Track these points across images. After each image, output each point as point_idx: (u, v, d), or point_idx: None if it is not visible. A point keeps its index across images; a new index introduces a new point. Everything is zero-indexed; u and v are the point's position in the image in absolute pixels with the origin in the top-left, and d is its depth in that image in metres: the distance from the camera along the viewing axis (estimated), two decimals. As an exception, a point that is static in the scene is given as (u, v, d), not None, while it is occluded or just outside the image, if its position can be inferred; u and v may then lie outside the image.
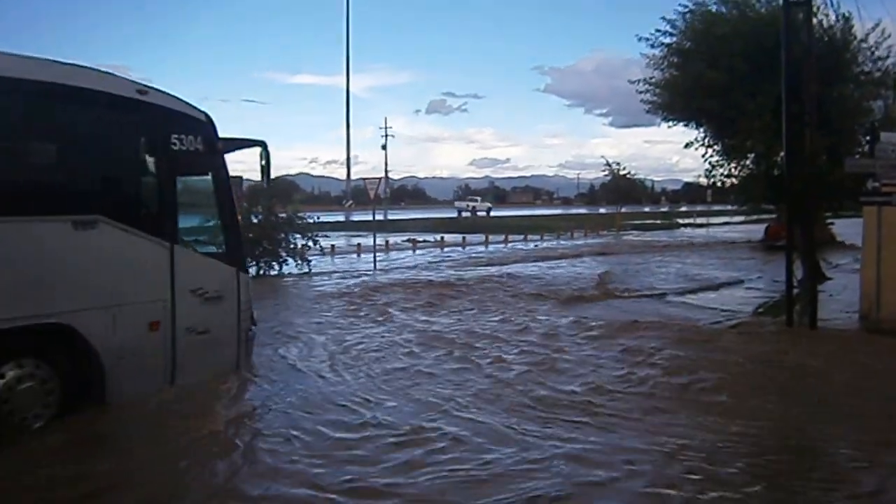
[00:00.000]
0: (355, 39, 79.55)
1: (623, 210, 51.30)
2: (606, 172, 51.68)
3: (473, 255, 24.06)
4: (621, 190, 54.93)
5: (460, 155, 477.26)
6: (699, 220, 46.93)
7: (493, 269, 18.08)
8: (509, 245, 29.07)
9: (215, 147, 6.51)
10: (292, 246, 17.74)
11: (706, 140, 14.58)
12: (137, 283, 5.91)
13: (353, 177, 65.37)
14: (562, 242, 31.25)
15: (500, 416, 5.84)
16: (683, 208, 61.55)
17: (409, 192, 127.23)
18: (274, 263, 17.35)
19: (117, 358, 5.68)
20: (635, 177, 58.88)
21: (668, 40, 14.02)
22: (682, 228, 45.13)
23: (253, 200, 16.90)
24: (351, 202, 52.37)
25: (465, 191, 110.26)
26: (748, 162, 14.11)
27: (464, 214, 56.84)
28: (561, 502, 4.23)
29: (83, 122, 5.72)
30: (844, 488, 4.45)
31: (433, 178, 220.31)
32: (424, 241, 29.04)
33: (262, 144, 7.07)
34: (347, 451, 5.11)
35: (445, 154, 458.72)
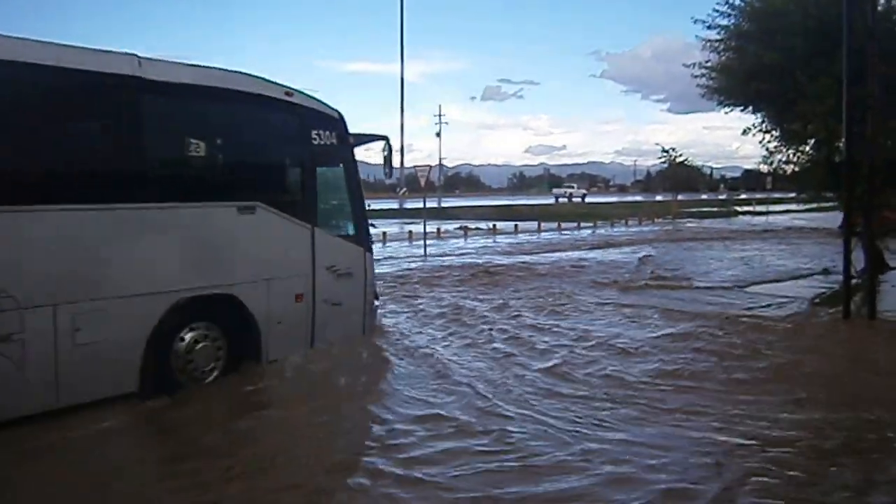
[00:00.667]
0: (410, 26, 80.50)
1: (679, 197, 51.06)
2: (663, 159, 51.47)
3: (527, 242, 24.29)
4: (678, 177, 54.69)
5: (515, 142, 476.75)
6: (758, 208, 46.38)
7: (553, 256, 18.56)
8: (563, 233, 29.11)
9: (347, 141, 7.51)
10: None
11: (764, 125, 14.19)
12: (286, 260, 6.99)
13: (407, 164, 66.11)
14: (616, 230, 31.14)
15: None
16: (742, 196, 60.64)
17: (463, 180, 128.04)
18: None
19: (270, 324, 6.80)
20: (692, 164, 58.49)
21: (725, 21, 13.53)
22: (741, 217, 44.34)
23: None
24: (405, 190, 53.16)
25: (520, 179, 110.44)
26: (808, 148, 13.65)
27: (561, 200, 60.05)
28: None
29: (244, 122, 6.77)
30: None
31: (488, 165, 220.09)
32: (477, 228, 29.37)
33: (386, 139, 8.10)
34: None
35: (500, 141, 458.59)
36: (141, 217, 5.91)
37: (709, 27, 13.57)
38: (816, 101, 11.74)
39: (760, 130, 14.32)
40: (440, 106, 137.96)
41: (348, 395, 6.52)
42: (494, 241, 24.99)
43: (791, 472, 4.61)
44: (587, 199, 63.68)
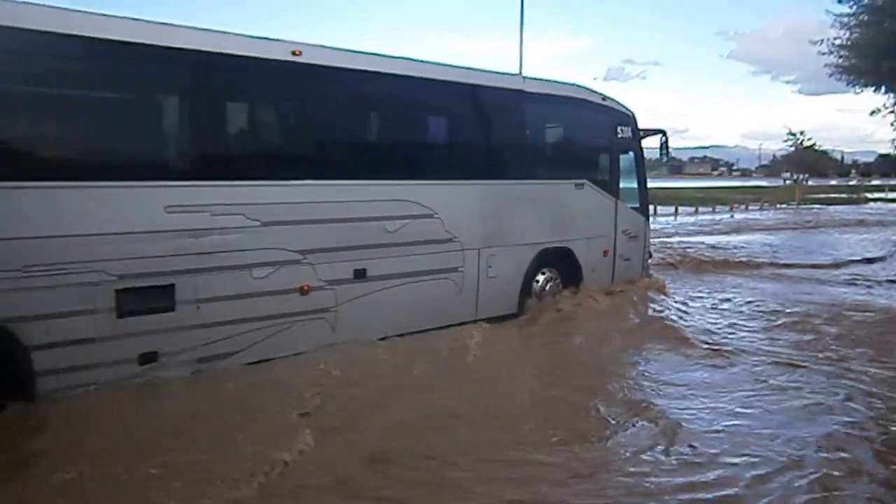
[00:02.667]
0: (533, 8, 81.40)
1: (806, 182, 50.26)
2: (790, 143, 50.77)
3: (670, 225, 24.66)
4: (804, 162, 53.61)
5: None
6: (891, 195, 45.40)
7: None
8: (678, 218, 28.67)
9: (637, 134, 9.76)
10: None
11: None
12: (599, 224, 9.30)
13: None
14: (735, 216, 30.00)
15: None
16: (875, 182, 59.03)
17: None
18: None
19: (587, 270, 9.15)
20: (821, 147, 57.27)
21: None
22: (872, 203, 42.59)
23: None
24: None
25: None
26: None
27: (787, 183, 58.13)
28: None
29: (577, 121, 9.12)
30: None
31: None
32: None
33: (664, 132, 10.29)
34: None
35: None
36: (521, 190, 8.35)
37: (840, 1, 13.14)
38: None
39: (892, 111, 14.03)
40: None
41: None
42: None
43: None
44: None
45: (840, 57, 13.80)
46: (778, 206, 38.46)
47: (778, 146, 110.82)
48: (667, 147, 10.35)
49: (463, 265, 7.76)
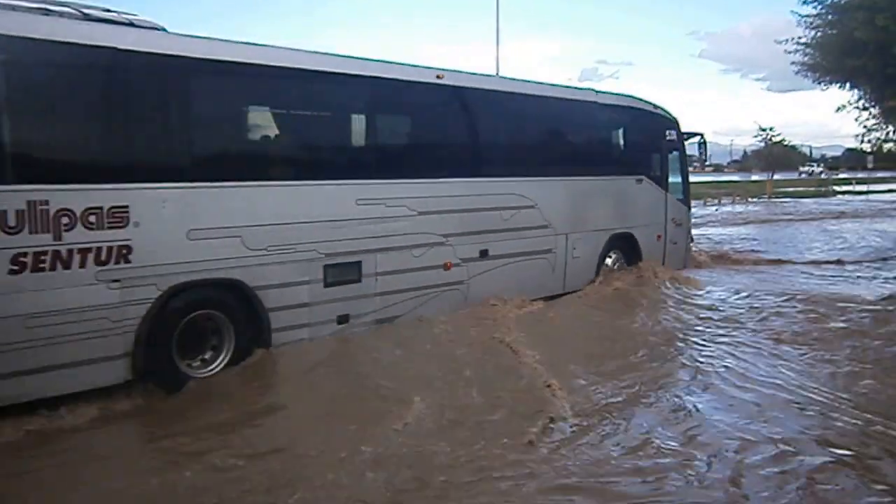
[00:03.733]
0: (507, 11, 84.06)
1: (775, 177, 52.51)
2: (760, 138, 52.89)
3: None
4: (774, 156, 56.00)
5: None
6: (859, 188, 47.77)
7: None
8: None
9: (681, 136, 11.56)
10: None
11: (861, 102, 14.00)
12: (654, 213, 11.06)
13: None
14: (708, 209, 30.30)
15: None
16: (842, 175, 61.94)
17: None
18: None
19: (647, 252, 10.92)
20: (790, 143, 59.94)
21: None
22: (840, 196, 43.88)
23: None
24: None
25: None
26: None
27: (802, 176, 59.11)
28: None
29: (637, 126, 10.82)
30: None
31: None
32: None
33: (702, 135, 12.11)
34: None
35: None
36: (596, 185, 10.09)
37: (805, 2, 13.41)
38: None
39: (857, 108, 14.16)
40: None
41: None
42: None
43: None
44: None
45: (806, 55, 13.96)
46: (749, 199, 39.83)
47: (748, 142, 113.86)
48: (705, 147, 12.20)
49: (555, 247, 9.49)
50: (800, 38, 13.94)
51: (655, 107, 11.19)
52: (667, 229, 11.28)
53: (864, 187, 46.85)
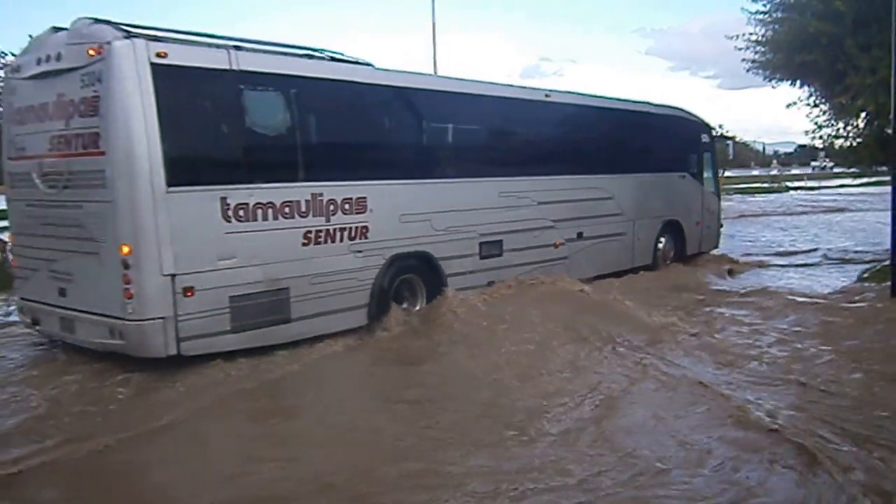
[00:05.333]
0: (443, 3, 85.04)
1: (727, 174, 55.46)
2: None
3: None
4: (724, 153, 59.28)
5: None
6: (810, 184, 51.40)
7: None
8: None
9: (713, 139, 14.02)
10: None
11: (812, 99, 14.10)
12: (693, 204, 13.43)
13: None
14: None
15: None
16: (794, 171, 66.00)
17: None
18: None
19: (690, 236, 13.36)
20: (742, 140, 63.76)
21: None
22: (792, 192, 45.30)
23: None
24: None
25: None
26: (859, 122, 13.42)
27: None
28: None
29: (679, 131, 13.17)
30: None
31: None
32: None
33: (732, 139, 14.61)
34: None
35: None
36: (653, 179, 12.47)
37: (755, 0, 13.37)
38: (867, 73, 11.32)
39: (808, 104, 14.14)
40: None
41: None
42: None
43: None
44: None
45: (756, 52, 13.73)
46: None
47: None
48: (734, 148, 14.73)
49: (627, 231, 11.84)
50: (750, 34, 13.67)
51: (693, 115, 13.64)
52: (703, 216, 13.76)
53: (815, 183, 50.39)
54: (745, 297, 10.29)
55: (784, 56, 13.14)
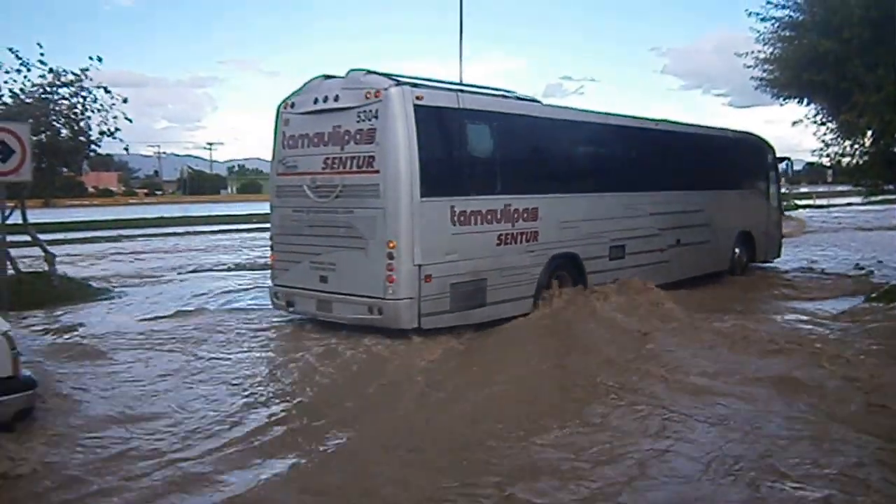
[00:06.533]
0: (471, 28, 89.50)
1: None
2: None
3: None
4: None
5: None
6: (819, 202, 52.52)
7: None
8: None
9: (775, 159, 16.10)
10: None
11: (819, 117, 14.26)
12: (760, 216, 15.45)
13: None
14: None
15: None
16: (803, 189, 67.46)
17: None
18: None
19: (759, 245, 15.42)
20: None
21: (779, 13, 13.29)
22: (801, 210, 44.51)
23: None
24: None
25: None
26: (866, 140, 13.46)
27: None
28: None
29: (750, 154, 15.30)
30: None
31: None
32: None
33: (789, 159, 16.75)
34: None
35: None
36: (731, 195, 14.52)
37: (763, 19, 13.46)
38: (872, 92, 11.49)
39: (814, 122, 14.35)
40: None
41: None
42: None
43: None
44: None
45: (764, 70, 14.24)
46: None
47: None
48: (791, 167, 16.87)
49: (711, 239, 13.90)
50: (759, 52, 14.17)
51: (762, 139, 15.75)
52: (767, 227, 15.83)
53: (825, 201, 51.65)
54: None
55: (792, 74, 13.17)
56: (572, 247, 10.61)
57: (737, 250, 14.87)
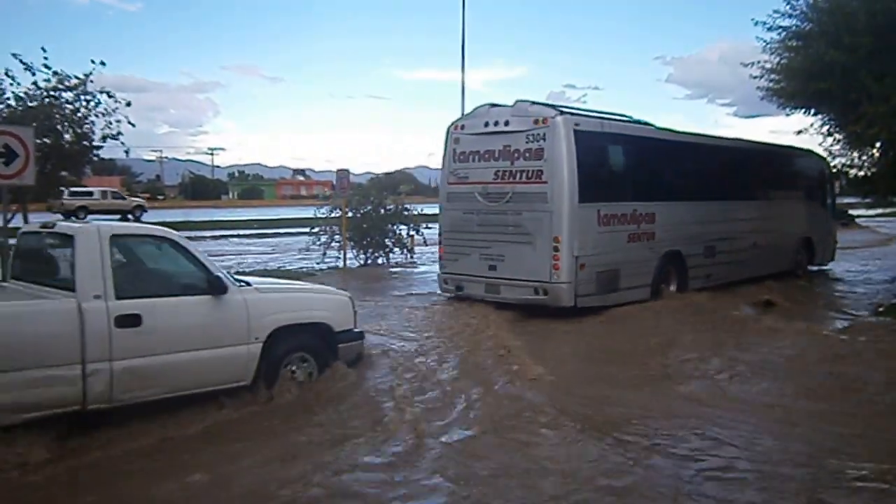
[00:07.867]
0: (474, 35, 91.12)
1: None
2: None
3: None
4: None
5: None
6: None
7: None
8: None
9: (830, 173, 18.12)
10: (398, 236, 18.63)
11: (825, 127, 14.48)
12: (820, 223, 17.35)
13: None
14: None
15: None
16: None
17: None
18: (380, 253, 18.36)
19: (817, 248, 17.48)
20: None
21: (786, 23, 13.25)
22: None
23: (366, 192, 19.17)
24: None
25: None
26: (874, 151, 13.67)
27: None
28: None
29: (812, 168, 17.25)
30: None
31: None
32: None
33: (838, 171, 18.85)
34: None
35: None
36: (796, 205, 16.63)
37: (769, 29, 13.43)
38: (881, 102, 11.36)
39: (821, 133, 14.54)
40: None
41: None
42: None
43: None
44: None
45: (771, 80, 14.14)
46: None
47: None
48: (836, 178, 19.00)
49: (780, 243, 15.97)
50: (765, 62, 13.98)
51: (819, 155, 17.82)
52: (825, 235, 17.91)
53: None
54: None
55: (798, 84, 13.21)
56: (678, 245, 12.72)
57: (800, 254, 16.95)
